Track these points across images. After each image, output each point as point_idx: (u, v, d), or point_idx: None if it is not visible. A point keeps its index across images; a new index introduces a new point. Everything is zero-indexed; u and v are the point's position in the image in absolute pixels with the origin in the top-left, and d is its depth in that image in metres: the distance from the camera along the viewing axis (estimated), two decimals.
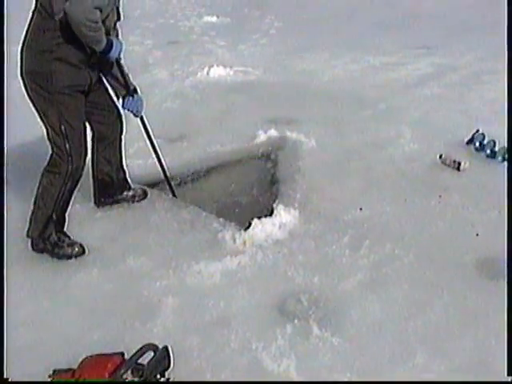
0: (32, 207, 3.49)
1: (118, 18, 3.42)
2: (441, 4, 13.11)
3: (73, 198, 3.58)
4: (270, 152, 4.96)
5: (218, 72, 7.72)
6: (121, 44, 3.45)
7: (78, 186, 3.56)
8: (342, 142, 5.16)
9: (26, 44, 3.26)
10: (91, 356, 2.42)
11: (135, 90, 3.76)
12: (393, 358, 2.65)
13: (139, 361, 2.34)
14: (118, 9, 3.37)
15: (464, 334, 2.78)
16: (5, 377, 2.49)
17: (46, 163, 3.45)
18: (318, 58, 8.55)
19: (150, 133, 4.02)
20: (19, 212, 3.75)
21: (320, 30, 10.67)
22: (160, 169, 4.19)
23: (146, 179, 4.44)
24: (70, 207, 3.59)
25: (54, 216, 3.47)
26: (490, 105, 6.04)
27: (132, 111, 3.80)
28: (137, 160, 4.56)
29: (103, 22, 3.19)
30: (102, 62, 3.50)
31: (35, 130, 3.44)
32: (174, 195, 4.24)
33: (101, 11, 3.11)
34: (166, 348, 2.42)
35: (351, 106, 6.21)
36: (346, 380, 2.54)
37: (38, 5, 3.18)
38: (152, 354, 2.38)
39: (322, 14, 12.34)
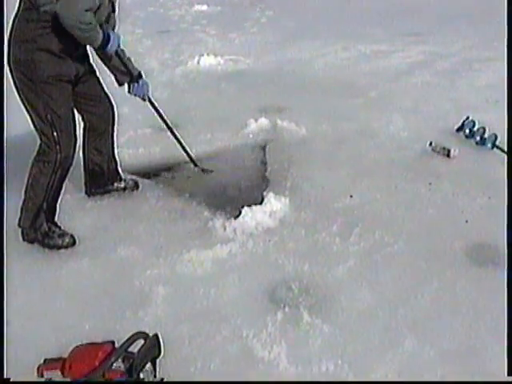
0: (23, 197, 3.48)
1: (113, 10, 3.43)
2: None
3: (63, 188, 3.56)
4: (261, 140, 4.96)
5: (208, 61, 7.71)
6: (118, 37, 3.45)
7: (69, 175, 3.54)
8: (332, 130, 5.17)
9: (11, 34, 3.24)
10: (82, 345, 2.42)
11: (140, 75, 3.82)
12: (382, 344, 2.66)
13: (129, 349, 2.34)
14: (112, 1, 3.38)
15: (453, 320, 2.80)
16: (5, 377, 2.48)
17: (35, 153, 3.43)
18: (309, 47, 8.55)
19: (161, 112, 4.12)
20: (10, 203, 3.73)
21: (311, 19, 10.67)
22: (178, 144, 4.34)
23: (137, 169, 4.45)
24: (60, 197, 3.57)
25: (45, 205, 3.46)
26: (480, 92, 6.06)
27: (139, 96, 3.88)
28: (127, 149, 4.56)
29: (93, 13, 3.19)
30: (100, 54, 3.59)
31: (26, 121, 3.43)
32: (195, 165, 4.42)
33: (94, 13, 3.15)
34: (156, 336, 2.42)
35: (342, 94, 6.23)
36: (337, 367, 2.55)
37: None
38: (142, 342, 2.38)
39: (313, 3, 12.33)
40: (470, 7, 10.87)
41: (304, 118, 5.35)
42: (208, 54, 7.82)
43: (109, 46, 3.37)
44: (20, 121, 3.71)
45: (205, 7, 12.17)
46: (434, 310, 2.88)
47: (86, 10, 3.08)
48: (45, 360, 2.44)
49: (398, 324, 2.77)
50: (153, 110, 4.08)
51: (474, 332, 2.72)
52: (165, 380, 2.44)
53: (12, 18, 3.26)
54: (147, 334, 2.41)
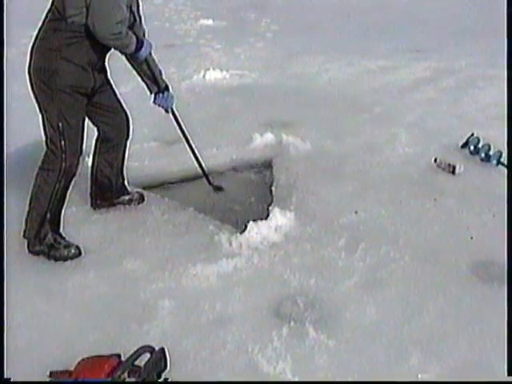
0: (27, 208, 3.50)
1: (135, 19, 3.54)
2: (436, 9, 13.18)
3: (67, 198, 3.57)
4: (266, 155, 4.97)
5: (214, 75, 7.73)
6: (150, 45, 3.62)
7: (74, 187, 3.56)
8: (337, 145, 5.18)
9: (36, 42, 3.36)
10: (88, 358, 2.43)
11: (166, 87, 3.93)
12: (388, 360, 2.66)
13: (136, 362, 2.34)
14: (133, 12, 3.49)
15: (458, 337, 2.79)
16: (6, 377, 2.48)
17: (40, 162, 3.47)
18: (314, 62, 8.58)
19: (182, 126, 4.22)
20: (15, 214, 3.75)
21: (316, 34, 10.71)
22: (194, 159, 4.39)
23: (142, 182, 4.46)
24: (64, 207, 3.58)
25: (49, 215, 3.48)
26: (484, 109, 6.08)
27: (162, 107, 3.99)
28: (133, 162, 4.55)
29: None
30: (131, 61, 3.75)
31: (34, 131, 3.46)
32: (209, 182, 4.46)
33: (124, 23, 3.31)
34: (162, 350, 2.43)
35: (347, 109, 6.24)
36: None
37: (53, 6, 3.29)
38: (148, 355, 2.39)
39: (318, 18, 12.38)
40: (474, 24, 10.93)
41: (309, 133, 5.36)
42: (214, 69, 7.84)
43: (141, 51, 3.53)
44: (30, 131, 3.74)
45: (210, 22, 12.20)
46: (439, 326, 2.88)
47: (117, 23, 3.23)
48: (51, 373, 2.44)
49: (404, 340, 2.77)
50: (174, 123, 4.18)
51: (479, 349, 2.71)
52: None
53: (38, 28, 3.37)
54: (153, 348, 2.41)
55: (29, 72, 3.38)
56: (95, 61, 3.43)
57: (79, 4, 3.17)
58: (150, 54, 3.72)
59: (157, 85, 3.88)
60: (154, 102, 3.97)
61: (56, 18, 3.26)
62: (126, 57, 3.70)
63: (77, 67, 3.33)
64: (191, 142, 4.31)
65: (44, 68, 3.32)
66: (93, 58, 3.40)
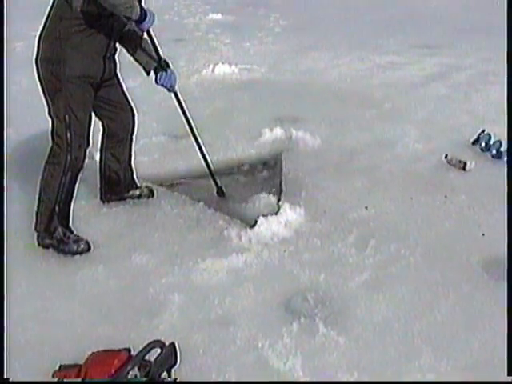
0: (36, 202, 3.49)
1: None
2: (446, 4, 13.12)
3: (75, 192, 3.55)
4: (276, 150, 4.97)
5: (223, 69, 7.71)
6: (153, 15, 3.36)
7: (82, 181, 3.54)
8: (347, 140, 5.17)
9: (43, 31, 3.32)
10: (98, 351, 2.41)
11: (167, 64, 3.70)
12: (398, 358, 2.64)
13: (146, 357, 2.33)
14: None
15: (470, 335, 2.77)
16: (5, 376, 2.47)
17: (46, 156, 3.45)
18: (323, 57, 8.56)
19: (185, 108, 3.96)
20: (25, 207, 3.76)
21: (325, 29, 10.67)
22: (201, 157, 4.17)
23: (151, 176, 4.43)
24: (73, 201, 3.56)
25: (57, 209, 3.46)
26: (495, 105, 6.03)
27: (166, 86, 3.74)
28: (142, 157, 4.56)
29: None
30: (133, 34, 3.54)
31: (43, 124, 3.44)
32: (217, 186, 4.21)
33: None
34: (173, 345, 2.42)
35: (356, 104, 6.23)
36: (352, 379, 2.53)
37: None
38: (159, 350, 2.38)
39: (327, 13, 12.35)
40: (485, 19, 10.86)
41: (319, 129, 5.35)
42: (223, 63, 7.82)
43: (145, 21, 3.26)
44: (38, 124, 3.73)
45: (219, 16, 12.18)
46: (450, 324, 2.85)
47: None
48: (60, 366, 2.43)
49: (414, 337, 2.75)
50: (177, 105, 3.92)
51: (490, 347, 2.69)
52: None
53: (45, 17, 3.32)
54: (164, 343, 2.40)
55: (36, 62, 3.34)
56: (104, 48, 3.36)
57: None
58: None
59: (158, 60, 3.65)
60: (156, 81, 3.70)
61: (61, 4, 3.21)
62: (122, 35, 3.49)
63: (84, 56, 3.28)
64: (196, 131, 4.10)
65: (51, 57, 3.27)
66: (101, 46, 3.34)
